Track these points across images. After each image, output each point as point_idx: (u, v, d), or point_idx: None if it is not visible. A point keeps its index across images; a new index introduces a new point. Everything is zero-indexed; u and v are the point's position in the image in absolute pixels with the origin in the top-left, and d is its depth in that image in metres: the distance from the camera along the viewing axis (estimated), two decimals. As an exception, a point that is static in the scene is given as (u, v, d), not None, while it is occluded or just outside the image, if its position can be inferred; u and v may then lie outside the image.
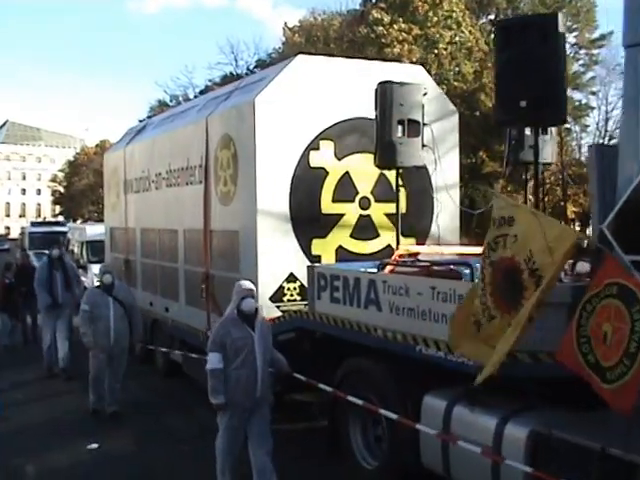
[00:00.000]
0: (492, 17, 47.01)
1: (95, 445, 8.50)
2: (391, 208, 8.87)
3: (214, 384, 6.57)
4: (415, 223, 9.01)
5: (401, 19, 38.38)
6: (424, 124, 7.24)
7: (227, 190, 9.00)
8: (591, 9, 43.68)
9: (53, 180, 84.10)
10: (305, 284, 8.41)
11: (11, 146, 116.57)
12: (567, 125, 44.31)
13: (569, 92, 44.10)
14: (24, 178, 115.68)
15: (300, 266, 8.44)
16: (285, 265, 8.43)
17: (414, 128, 7.13)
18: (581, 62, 45.28)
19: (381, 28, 37.90)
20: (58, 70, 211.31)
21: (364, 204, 8.79)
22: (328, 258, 8.59)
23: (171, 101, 55.24)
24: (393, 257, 7.17)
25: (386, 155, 7.14)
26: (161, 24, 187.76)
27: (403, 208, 8.95)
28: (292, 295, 8.48)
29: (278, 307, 8.38)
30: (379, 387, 6.60)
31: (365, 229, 8.80)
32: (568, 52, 46.38)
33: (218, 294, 9.37)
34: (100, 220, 57.03)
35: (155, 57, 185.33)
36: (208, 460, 7.57)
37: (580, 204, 43.57)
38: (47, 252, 13.72)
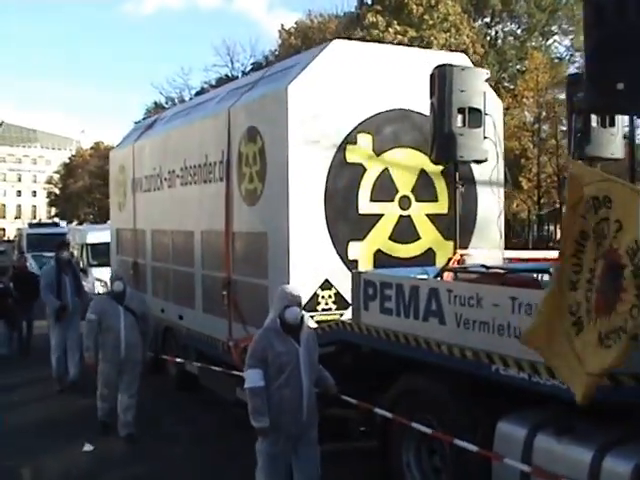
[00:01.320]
0: (488, 20, 46.40)
1: (90, 447, 8.15)
2: (433, 208, 8.00)
3: (256, 404, 5.61)
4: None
5: (396, 22, 37.64)
6: (486, 114, 6.28)
7: (253, 188, 8.03)
8: (587, 12, 42.92)
9: (49, 182, 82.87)
10: (341, 291, 7.52)
11: (6, 148, 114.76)
12: (563, 127, 43.80)
13: (563, 95, 43.46)
14: (19, 180, 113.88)
15: (335, 272, 7.52)
16: (319, 271, 7.47)
17: (475, 117, 6.19)
18: (577, 65, 44.62)
19: (377, 31, 37.15)
20: (54, 71, 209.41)
21: (404, 204, 7.84)
22: (366, 263, 7.63)
23: (167, 103, 54.40)
24: (451, 262, 6.22)
25: (445, 148, 6.19)
26: (157, 26, 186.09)
27: (444, 208, 8.08)
28: (327, 304, 7.53)
29: (312, 317, 7.42)
30: (442, 411, 5.64)
31: (405, 231, 7.85)
32: (563, 55, 45.90)
33: (241, 302, 8.40)
34: (95, 222, 56.04)
35: (151, 59, 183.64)
36: (203, 464, 7.64)
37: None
38: (52, 254, 12.72)
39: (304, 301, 7.29)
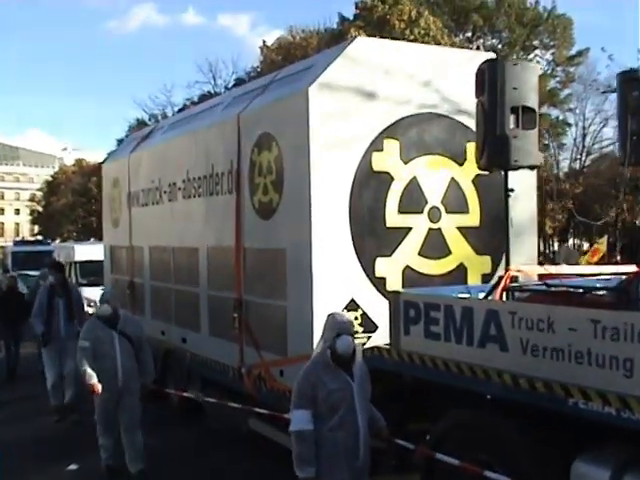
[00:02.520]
0: (469, 34, 46.08)
1: (75, 466, 7.85)
2: (464, 221, 7.25)
3: (302, 451, 4.78)
4: (490, 238, 7.35)
5: (378, 37, 37.17)
6: (540, 114, 5.53)
7: (268, 200, 7.24)
8: (568, 26, 42.92)
9: (32, 199, 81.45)
10: (368, 312, 6.74)
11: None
12: (545, 141, 43.52)
13: (545, 109, 43.26)
14: (2, 197, 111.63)
15: (361, 291, 6.74)
16: (344, 290, 6.68)
17: (529, 118, 5.42)
18: (558, 79, 44.48)
19: (359, 47, 36.56)
20: (36, 89, 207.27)
21: (434, 216, 7.08)
22: (394, 281, 6.85)
23: (150, 120, 53.46)
24: (504, 280, 5.44)
25: (497, 152, 5.38)
26: (141, 43, 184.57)
27: (476, 220, 7.34)
28: (353, 327, 6.71)
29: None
30: (503, 449, 4.84)
31: (435, 245, 7.09)
32: (545, 69, 45.66)
33: (255, 325, 7.57)
34: (79, 239, 54.79)
35: (134, 76, 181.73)
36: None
37: (557, 219, 42.54)
38: (38, 273, 11.80)
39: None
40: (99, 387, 7.36)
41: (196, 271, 8.85)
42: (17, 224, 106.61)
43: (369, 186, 6.78)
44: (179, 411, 9.62)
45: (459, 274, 7.17)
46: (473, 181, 7.25)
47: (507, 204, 5.72)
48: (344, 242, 6.67)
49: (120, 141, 52.11)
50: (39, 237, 61.51)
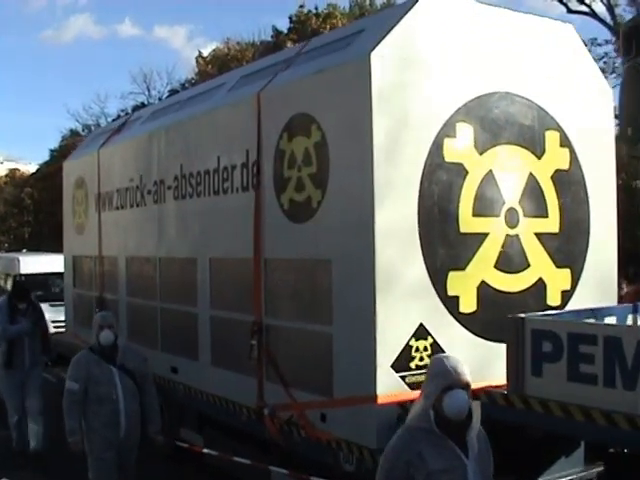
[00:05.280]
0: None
1: None
2: (542, 226, 5.75)
3: None
4: (570, 247, 5.88)
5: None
6: None
7: (304, 198, 5.54)
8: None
9: (-39, 210, 76.81)
10: (438, 341, 5.15)
11: None
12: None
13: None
14: None
15: (432, 314, 5.13)
16: (412, 313, 5.05)
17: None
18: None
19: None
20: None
21: (511, 219, 5.53)
22: (468, 300, 5.27)
23: (83, 130, 50.78)
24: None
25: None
26: (75, 53, 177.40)
27: (555, 226, 5.85)
28: (422, 359, 5.08)
29: (403, 378, 5.01)
30: None
31: (513, 256, 5.52)
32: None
33: (282, 355, 5.86)
34: (11, 250, 51.56)
35: (68, 87, 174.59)
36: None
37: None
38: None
39: (394, 357, 5.00)
40: (79, 449, 5.60)
41: (193, 287, 7.05)
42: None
43: (441, 181, 5.19)
44: (163, 454, 7.72)
45: (538, 291, 5.65)
46: (552, 178, 5.77)
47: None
48: (412, 252, 5.06)
49: (53, 151, 49.33)
50: (-32, 248, 57.53)
